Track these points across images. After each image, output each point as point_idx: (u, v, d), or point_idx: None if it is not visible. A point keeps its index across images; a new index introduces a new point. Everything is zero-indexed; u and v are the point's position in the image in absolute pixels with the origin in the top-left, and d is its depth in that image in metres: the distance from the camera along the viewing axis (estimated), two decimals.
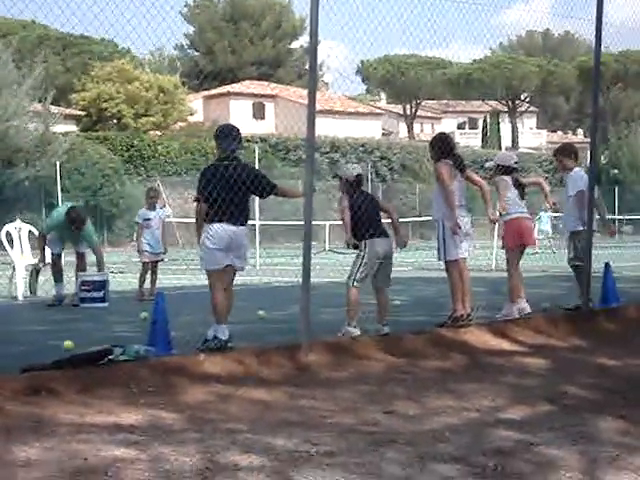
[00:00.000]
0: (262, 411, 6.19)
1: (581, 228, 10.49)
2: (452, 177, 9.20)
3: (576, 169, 10.62)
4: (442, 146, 9.33)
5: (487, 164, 10.69)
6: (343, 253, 8.94)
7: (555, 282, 14.71)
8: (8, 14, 7.96)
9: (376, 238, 8.80)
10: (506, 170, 10.11)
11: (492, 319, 9.72)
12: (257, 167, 22.05)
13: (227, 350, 7.70)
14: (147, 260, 13.14)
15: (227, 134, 8.10)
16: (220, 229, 7.85)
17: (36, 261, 13.31)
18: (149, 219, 13.19)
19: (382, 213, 9.16)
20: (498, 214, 9.98)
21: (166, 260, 14.57)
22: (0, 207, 31.13)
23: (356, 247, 8.81)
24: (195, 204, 8.13)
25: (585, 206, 10.41)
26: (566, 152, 10.77)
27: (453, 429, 5.65)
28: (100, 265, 12.43)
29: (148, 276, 13.14)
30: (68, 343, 7.75)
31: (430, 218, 10.48)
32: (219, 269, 7.94)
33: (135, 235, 14.52)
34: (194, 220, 8.19)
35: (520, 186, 10.13)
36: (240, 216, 7.96)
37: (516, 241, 10.10)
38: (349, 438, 5.42)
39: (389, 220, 9.31)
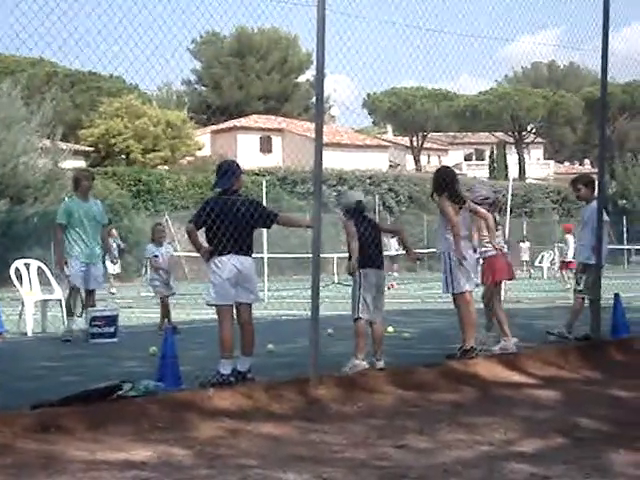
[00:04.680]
0: (272, 446, 6.16)
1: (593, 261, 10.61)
2: (455, 209, 9.20)
3: (595, 201, 10.71)
4: (443, 180, 9.36)
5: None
6: (351, 285, 8.88)
7: (563, 313, 14.61)
8: (17, 52, 8.02)
9: (373, 269, 8.71)
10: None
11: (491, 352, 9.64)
12: (265, 200, 22.06)
13: (238, 383, 7.68)
14: (161, 295, 13.40)
15: (223, 171, 8.14)
16: (225, 260, 7.87)
17: (47, 295, 13.43)
18: (157, 255, 13.39)
19: (388, 235, 9.08)
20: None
21: (175, 294, 14.61)
22: (9, 243, 31.19)
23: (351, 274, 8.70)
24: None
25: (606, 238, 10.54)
26: (585, 181, 10.85)
27: (465, 463, 5.61)
28: (109, 253, 14.26)
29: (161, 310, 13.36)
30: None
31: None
32: (228, 304, 7.95)
33: (145, 269, 14.86)
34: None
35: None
36: (244, 246, 7.98)
37: (491, 279, 10.09)
38: (360, 473, 5.38)
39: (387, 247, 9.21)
